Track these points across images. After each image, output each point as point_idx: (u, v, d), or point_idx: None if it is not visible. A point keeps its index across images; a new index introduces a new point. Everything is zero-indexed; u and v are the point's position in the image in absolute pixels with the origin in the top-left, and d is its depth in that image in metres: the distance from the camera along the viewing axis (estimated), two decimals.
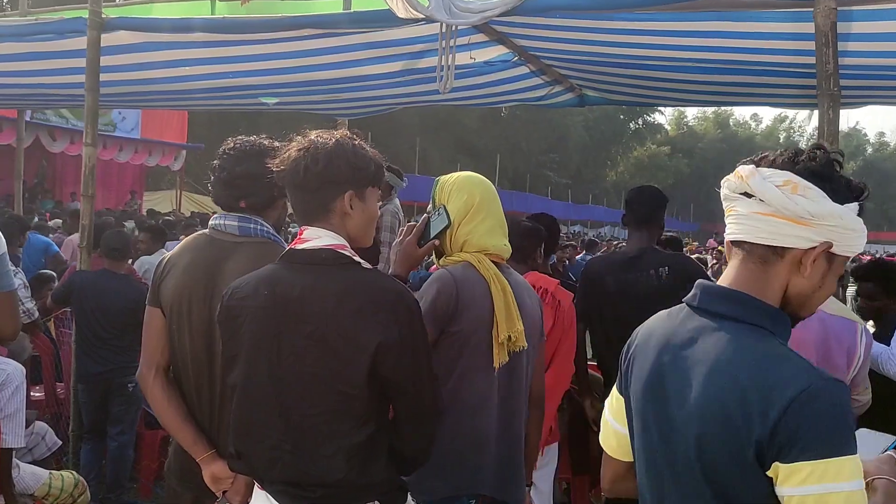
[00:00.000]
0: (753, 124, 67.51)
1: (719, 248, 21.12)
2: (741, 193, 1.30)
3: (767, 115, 75.37)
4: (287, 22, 3.71)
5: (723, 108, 56.56)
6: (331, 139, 1.73)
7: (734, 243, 1.33)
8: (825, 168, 1.26)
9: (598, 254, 9.89)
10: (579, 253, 12.56)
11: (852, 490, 1.11)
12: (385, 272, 2.06)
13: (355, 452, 1.66)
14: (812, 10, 2.84)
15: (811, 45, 2.91)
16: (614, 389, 1.53)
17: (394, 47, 4.23)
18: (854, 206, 1.27)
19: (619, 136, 48.19)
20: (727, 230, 1.34)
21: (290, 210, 2.11)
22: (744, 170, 1.31)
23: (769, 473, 1.16)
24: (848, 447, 1.12)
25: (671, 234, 6.83)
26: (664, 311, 1.45)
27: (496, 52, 4.31)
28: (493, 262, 2.13)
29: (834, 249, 1.26)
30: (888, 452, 1.45)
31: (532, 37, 3.98)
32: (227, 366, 1.79)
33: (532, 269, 3.15)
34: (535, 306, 2.27)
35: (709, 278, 3.28)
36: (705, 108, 55.84)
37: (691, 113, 62.87)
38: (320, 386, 1.68)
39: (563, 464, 3.45)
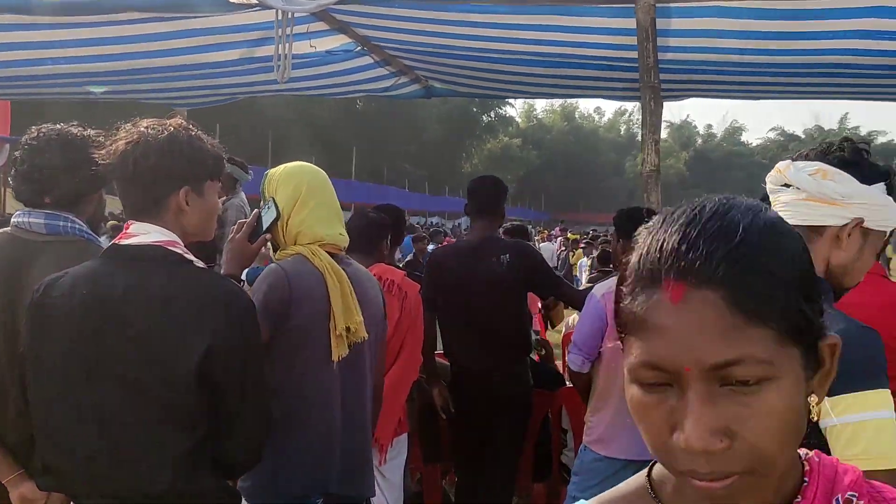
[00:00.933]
0: (597, 117, 71.38)
1: (568, 235, 22.17)
2: (782, 185, 1.53)
3: (609, 108, 79.88)
4: (106, 4, 3.45)
5: (568, 101, 59.27)
6: (163, 131, 1.62)
7: None
8: (852, 156, 1.47)
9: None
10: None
11: (882, 417, 1.30)
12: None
13: (182, 461, 1.57)
14: (633, 6, 3.00)
15: (634, 40, 3.08)
16: None
17: (231, 34, 4.05)
18: (881, 185, 1.47)
19: (473, 128, 49.30)
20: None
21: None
22: (782, 165, 1.54)
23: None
24: (877, 382, 1.31)
25: (517, 222, 7.05)
26: None
27: (338, 41, 4.23)
28: (330, 252, 2.08)
29: (866, 224, 1.47)
30: None
31: (373, 26, 3.94)
32: (32, 369, 1.62)
33: (378, 260, 3.13)
34: (377, 297, 2.26)
35: (546, 263, 3.46)
36: (553, 102, 58.34)
37: (540, 106, 65.51)
38: (143, 392, 1.57)
39: (414, 454, 3.46)
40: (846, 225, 1.47)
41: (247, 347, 1.65)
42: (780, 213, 1.47)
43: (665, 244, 0.65)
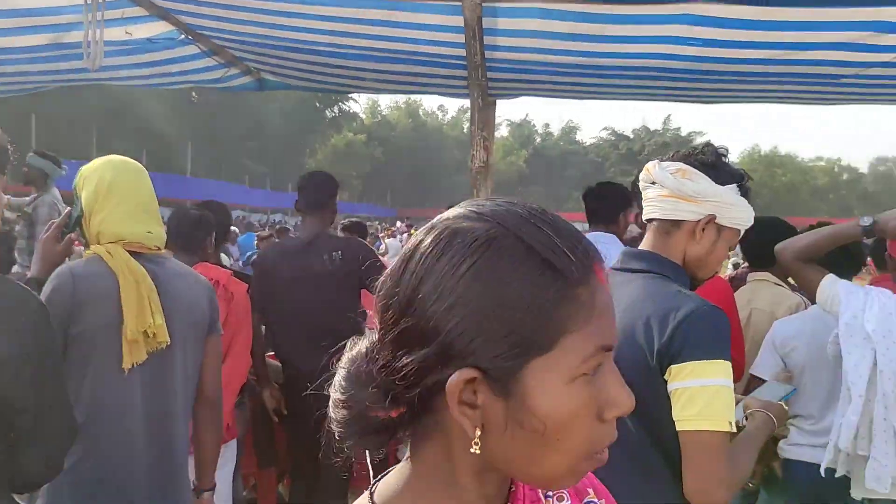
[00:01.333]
0: (441, 115, 72.64)
1: (411, 231, 22.37)
2: (649, 183, 1.72)
3: (452, 106, 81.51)
4: None
5: (412, 98, 59.88)
6: None
7: (647, 221, 1.76)
8: (710, 158, 1.66)
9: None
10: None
11: (720, 385, 1.47)
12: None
13: None
14: (460, 3, 3.04)
15: (463, 38, 3.13)
16: None
17: (37, 17, 3.71)
18: (734, 186, 1.65)
19: (317, 123, 48.57)
20: (644, 213, 1.77)
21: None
22: (650, 164, 1.73)
23: (665, 377, 1.52)
24: (720, 354, 1.49)
25: (355, 219, 7.01)
26: None
27: (159, 28, 3.98)
28: (136, 251, 1.94)
29: (719, 221, 1.65)
30: (780, 402, 1.87)
31: (197, 14, 3.74)
32: None
33: (203, 259, 2.98)
34: (198, 297, 2.13)
35: (379, 259, 3.45)
36: (397, 98, 58.75)
37: (384, 102, 65.70)
38: None
39: (247, 459, 3.34)
40: (700, 220, 1.66)
41: (39, 357, 1.51)
42: (647, 209, 1.70)
43: (564, 240, 0.69)
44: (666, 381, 1.52)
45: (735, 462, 1.51)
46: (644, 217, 1.78)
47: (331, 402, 0.75)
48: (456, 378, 0.66)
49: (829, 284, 2.22)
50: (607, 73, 4.09)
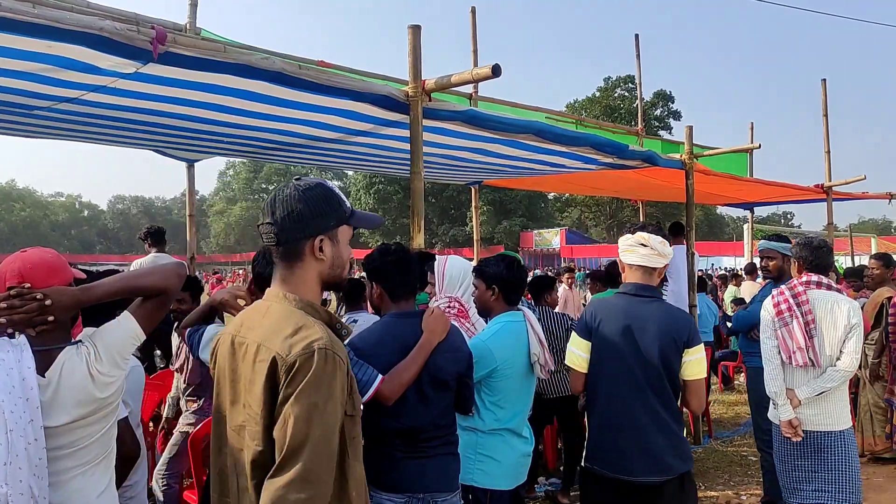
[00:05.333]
0: None
1: None
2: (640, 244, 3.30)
3: None
4: None
5: None
6: None
7: (633, 266, 3.34)
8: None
9: None
10: None
11: (703, 356, 3.24)
12: None
13: None
14: None
15: None
16: (578, 337, 3.33)
17: None
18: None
19: None
20: (633, 259, 3.33)
21: None
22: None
23: (683, 356, 3.18)
24: (700, 340, 3.26)
25: None
26: (611, 297, 3.38)
27: None
28: None
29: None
30: None
31: None
32: None
33: None
34: None
35: None
36: None
37: None
38: None
39: None
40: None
41: None
42: (639, 259, 3.34)
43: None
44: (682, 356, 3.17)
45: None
46: (633, 262, 3.30)
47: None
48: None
49: None
50: None
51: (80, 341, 2.10)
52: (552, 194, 62.45)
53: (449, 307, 3.45)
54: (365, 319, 5.58)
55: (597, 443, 3.21)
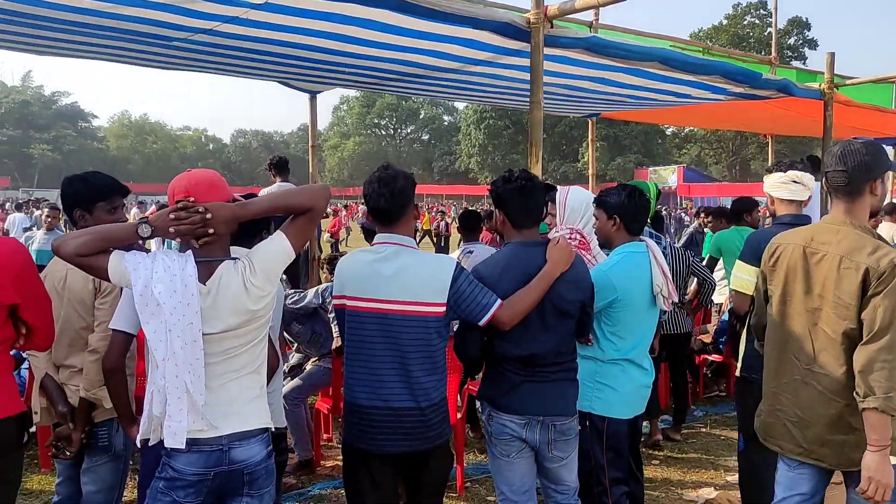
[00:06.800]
0: None
1: None
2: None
3: None
4: None
5: None
6: None
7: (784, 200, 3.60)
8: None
9: None
10: None
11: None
12: None
13: None
14: None
15: None
16: (751, 267, 3.31)
17: None
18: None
19: None
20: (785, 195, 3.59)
21: None
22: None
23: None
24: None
25: None
26: (789, 230, 2.91)
27: None
28: None
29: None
30: None
31: None
32: None
33: None
34: None
35: None
36: None
37: None
38: None
39: None
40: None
41: None
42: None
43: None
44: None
45: None
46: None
47: None
48: None
49: (116, 261, 2.13)
50: None
51: (238, 258, 2.27)
52: (670, 130, 59.90)
53: (570, 238, 3.42)
54: (480, 251, 5.67)
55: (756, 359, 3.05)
